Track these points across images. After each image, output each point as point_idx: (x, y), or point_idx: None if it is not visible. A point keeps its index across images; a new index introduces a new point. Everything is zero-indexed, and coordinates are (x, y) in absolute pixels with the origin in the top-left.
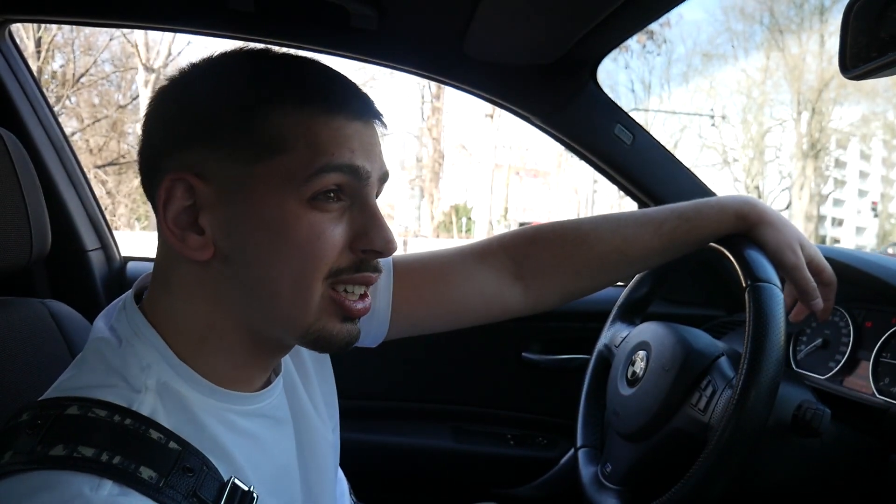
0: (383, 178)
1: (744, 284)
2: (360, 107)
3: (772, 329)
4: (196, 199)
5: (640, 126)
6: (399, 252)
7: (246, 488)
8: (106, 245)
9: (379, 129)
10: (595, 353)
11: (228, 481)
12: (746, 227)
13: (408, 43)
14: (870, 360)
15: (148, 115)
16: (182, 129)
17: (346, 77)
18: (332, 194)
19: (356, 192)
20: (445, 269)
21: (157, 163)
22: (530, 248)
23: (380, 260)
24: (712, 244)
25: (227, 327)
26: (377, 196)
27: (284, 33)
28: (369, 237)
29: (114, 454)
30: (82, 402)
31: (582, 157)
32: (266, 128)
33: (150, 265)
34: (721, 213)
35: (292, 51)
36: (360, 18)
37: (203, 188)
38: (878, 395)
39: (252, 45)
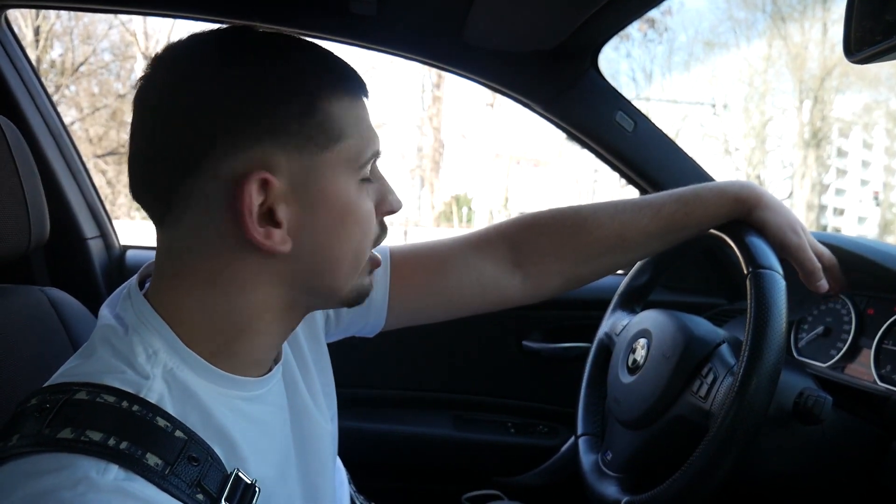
0: None
1: (745, 271)
2: (367, 89)
3: (773, 316)
4: (268, 193)
5: (642, 113)
6: (399, 242)
7: (249, 481)
8: (105, 233)
9: None
10: (595, 342)
11: (232, 473)
12: (745, 211)
13: (407, 29)
14: (871, 348)
15: (163, 114)
16: (240, 127)
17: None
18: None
19: (374, 167)
20: (442, 258)
21: (194, 164)
22: (528, 234)
23: (377, 251)
24: (713, 231)
25: (278, 308)
26: None
27: (283, 18)
28: (388, 201)
29: (121, 439)
30: (91, 388)
31: (583, 144)
32: (326, 118)
33: (151, 254)
34: (719, 197)
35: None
36: (359, 4)
37: (276, 182)
38: (879, 383)
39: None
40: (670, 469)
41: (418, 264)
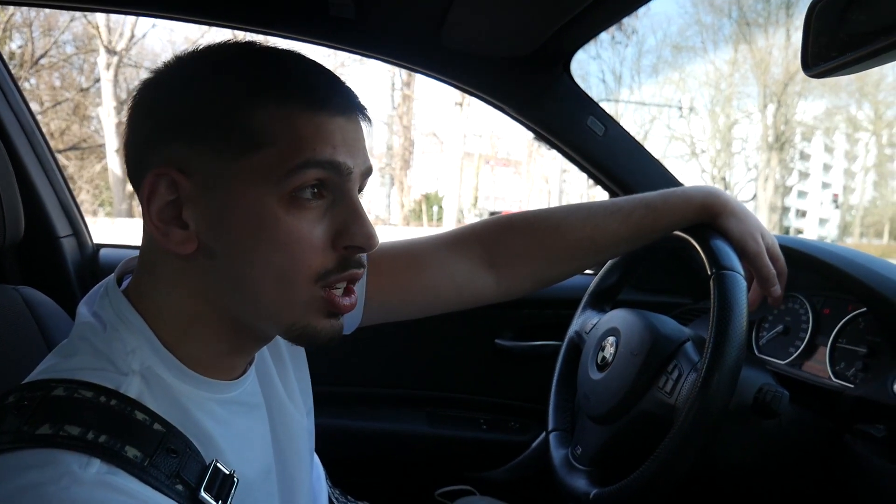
0: (366, 172)
1: (709, 272)
2: (342, 102)
3: (735, 315)
4: (179, 193)
5: (612, 118)
6: None
7: (227, 471)
8: (78, 232)
9: (363, 124)
10: (566, 340)
11: (210, 464)
12: (710, 217)
13: (385, 32)
14: (827, 346)
15: (132, 109)
16: (165, 125)
17: (329, 71)
18: (314, 190)
19: (338, 187)
20: (418, 256)
21: (142, 157)
22: (503, 235)
23: None
24: (680, 233)
25: (212, 318)
26: (360, 190)
27: (261, 21)
28: (350, 233)
29: (100, 433)
30: (68, 384)
31: (555, 147)
32: (248, 125)
33: (124, 252)
34: (686, 204)
35: (278, 43)
36: (338, 7)
37: (186, 183)
38: (833, 379)
39: (238, 37)
40: (637, 462)
41: (394, 261)
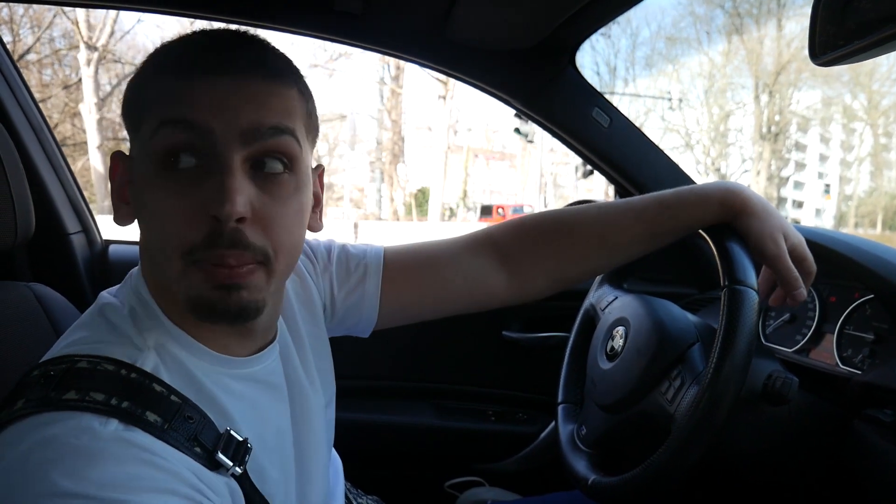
0: (250, 132)
1: (722, 283)
2: (216, 61)
3: (739, 337)
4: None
5: (617, 110)
6: (349, 235)
7: (240, 438)
8: (87, 228)
9: (266, 82)
10: (581, 311)
11: (225, 432)
12: (730, 216)
13: (390, 26)
14: (834, 333)
15: None
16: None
17: (224, 33)
18: (178, 157)
19: (208, 152)
20: (432, 256)
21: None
22: (514, 235)
23: (370, 253)
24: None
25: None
26: (270, 156)
27: (267, 16)
28: (211, 199)
29: (122, 400)
30: (91, 358)
31: (561, 139)
32: (139, 100)
33: (134, 248)
34: (704, 202)
35: (280, 36)
36: (344, 2)
37: (127, 164)
38: (841, 366)
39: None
40: (636, 455)
41: (408, 261)
